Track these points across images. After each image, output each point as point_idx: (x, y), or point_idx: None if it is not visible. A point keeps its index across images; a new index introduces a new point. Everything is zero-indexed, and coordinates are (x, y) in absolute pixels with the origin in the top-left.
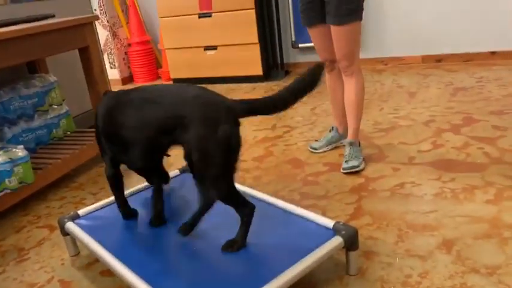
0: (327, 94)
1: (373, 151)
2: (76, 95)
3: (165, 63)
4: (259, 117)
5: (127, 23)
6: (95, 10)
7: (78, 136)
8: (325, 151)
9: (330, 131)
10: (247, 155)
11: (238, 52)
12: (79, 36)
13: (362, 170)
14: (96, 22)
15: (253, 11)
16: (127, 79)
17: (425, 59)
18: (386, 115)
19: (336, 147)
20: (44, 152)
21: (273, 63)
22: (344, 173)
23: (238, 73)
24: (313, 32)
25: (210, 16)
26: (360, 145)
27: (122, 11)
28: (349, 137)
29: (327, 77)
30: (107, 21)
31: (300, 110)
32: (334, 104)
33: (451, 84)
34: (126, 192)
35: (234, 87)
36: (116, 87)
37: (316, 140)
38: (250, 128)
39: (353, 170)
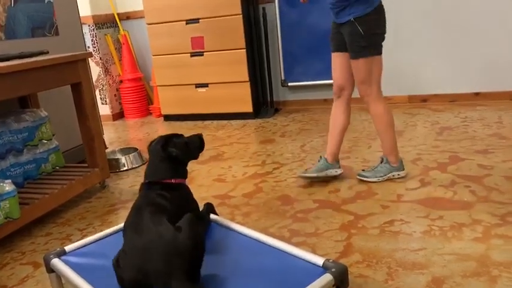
0: (315, 132)
1: (361, 188)
2: (66, 130)
3: (157, 100)
4: (249, 153)
5: (120, 60)
6: (89, 47)
7: (67, 171)
8: (315, 176)
9: (318, 161)
10: (236, 191)
11: (229, 90)
12: (72, 72)
13: (372, 181)
14: (89, 58)
15: (244, 50)
16: (118, 115)
17: (412, 99)
18: (375, 153)
19: (325, 181)
20: (32, 187)
21: (263, 101)
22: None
23: (229, 110)
24: (334, 57)
25: (202, 55)
26: (388, 162)
27: (115, 48)
28: (383, 153)
29: (333, 104)
30: (100, 58)
31: (289, 147)
32: (331, 130)
33: (437, 123)
34: (113, 229)
35: (225, 124)
36: (106, 123)
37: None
38: (239, 164)
39: (360, 177)
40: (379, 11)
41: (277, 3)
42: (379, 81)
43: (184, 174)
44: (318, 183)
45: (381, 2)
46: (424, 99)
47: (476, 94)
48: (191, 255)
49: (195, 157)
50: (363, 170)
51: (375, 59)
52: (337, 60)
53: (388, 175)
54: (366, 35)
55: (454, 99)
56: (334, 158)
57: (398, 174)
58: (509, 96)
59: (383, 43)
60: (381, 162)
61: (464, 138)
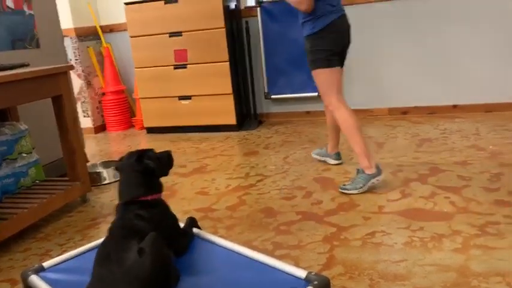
0: (298, 143)
1: (343, 200)
2: (47, 143)
3: (139, 112)
4: (232, 166)
5: (102, 72)
6: (70, 60)
7: (47, 185)
8: (317, 159)
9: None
10: (220, 204)
11: (212, 102)
12: (53, 85)
13: (353, 193)
14: (71, 71)
15: (228, 63)
16: (100, 128)
17: (392, 111)
18: (356, 165)
19: (308, 193)
20: (11, 201)
21: (246, 113)
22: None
23: (212, 122)
24: None
25: (186, 67)
26: (363, 172)
27: (98, 61)
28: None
29: None
30: (82, 71)
31: (272, 159)
32: (328, 126)
33: (417, 135)
34: (93, 243)
35: (208, 136)
36: (88, 136)
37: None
38: (223, 176)
39: (341, 190)
40: (327, 31)
41: (260, 17)
42: (336, 90)
43: (160, 188)
44: (301, 195)
45: (331, 23)
46: (404, 112)
47: (454, 106)
48: (155, 281)
49: (166, 173)
50: (344, 184)
51: (324, 72)
52: None
53: (368, 184)
54: (311, 51)
55: (433, 111)
56: (332, 148)
57: (378, 180)
58: (485, 109)
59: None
60: (358, 173)
61: (443, 150)
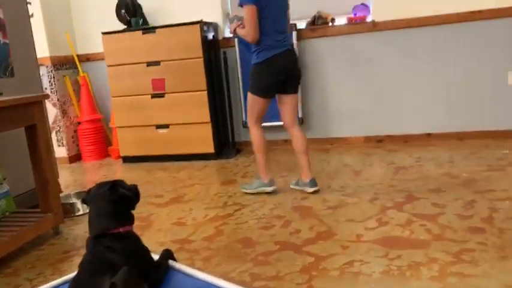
0: (276, 172)
1: (322, 228)
2: (18, 173)
3: (116, 142)
4: (210, 195)
5: (78, 101)
6: (46, 88)
7: (18, 217)
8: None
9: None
10: (196, 235)
11: (190, 130)
12: (26, 114)
13: (248, 192)
14: (46, 100)
15: (206, 92)
16: (75, 157)
17: (367, 140)
18: (334, 193)
19: (287, 222)
20: None
21: (224, 142)
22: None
23: (190, 151)
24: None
25: (163, 96)
26: (260, 179)
27: (74, 90)
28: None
29: None
30: (58, 100)
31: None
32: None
33: (392, 163)
34: (65, 278)
35: (186, 165)
36: (62, 166)
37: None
38: (200, 206)
39: (242, 189)
40: (267, 64)
41: (238, 48)
42: (256, 116)
43: (132, 220)
44: (279, 224)
45: (272, 57)
46: (380, 140)
47: (428, 135)
48: None
49: (134, 207)
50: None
51: (254, 98)
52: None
53: (259, 188)
54: (251, 77)
55: (407, 139)
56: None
57: (266, 190)
58: (457, 137)
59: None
60: (257, 179)
61: (418, 178)
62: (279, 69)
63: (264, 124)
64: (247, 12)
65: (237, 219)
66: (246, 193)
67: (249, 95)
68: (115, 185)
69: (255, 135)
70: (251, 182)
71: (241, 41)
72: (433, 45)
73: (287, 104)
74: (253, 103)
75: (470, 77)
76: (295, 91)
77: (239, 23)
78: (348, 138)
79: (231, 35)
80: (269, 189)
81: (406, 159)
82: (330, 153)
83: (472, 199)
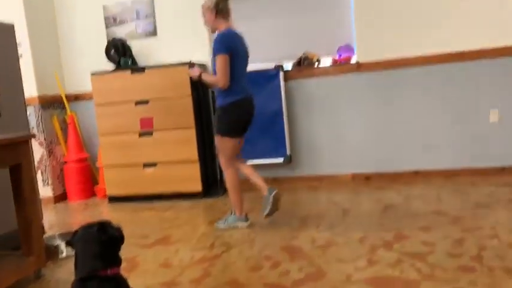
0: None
1: (311, 269)
2: (1, 212)
3: (102, 181)
4: (197, 235)
5: (65, 140)
6: (33, 128)
7: None
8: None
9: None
10: (183, 277)
11: (177, 169)
12: (12, 154)
13: (221, 227)
14: (33, 139)
15: (194, 130)
16: (60, 197)
17: (355, 177)
18: (323, 232)
19: (276, 262)
20: None
21: (212, 180)
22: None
23: (177, 190)
24: None
25: (151, 134)
26: (234, 214)
27: (61, 128)
28: (232, 207)
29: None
30: (44, 139)
31: (238, 228)
32: (252, 180)
33: (380, 201)
34: None
35: (173, 204)
36: (47, 206)
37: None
38: (187, 247)
39: (217, 226)
40: (233, 106)
41: None
42: (229, 155)
43: (119, 261)
44: (268, 265)
45: (237, 101)
46: (367, 177)
47: (416, 173)
48: None
49: (120, 249)
50: (218, 222)
51: (224, 139)
52: None
53: (234, 223)
54: (219, 120)
55: (395, 177)
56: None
57: (242, 225)
58: (444, 175)
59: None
60: (230, 214)
61: (407, 216)
62: (246, 111)
63: (252, 162)
64: (221, 61)
65: (225, 261)
66: (220, 229)
67: (219, 138)
68: (103, 226)
69: (230, 175)
70: (224, 218)
71: None
72: (417, 85)
73: (241, 143)
74: (225, 145)
75: (453, 116)
76: (245, 132)
77: (201, 70)
78: (336, 175)
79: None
80: (245, 224)
81: (395, 197)
82: (318, 191)
83: (460, 237)
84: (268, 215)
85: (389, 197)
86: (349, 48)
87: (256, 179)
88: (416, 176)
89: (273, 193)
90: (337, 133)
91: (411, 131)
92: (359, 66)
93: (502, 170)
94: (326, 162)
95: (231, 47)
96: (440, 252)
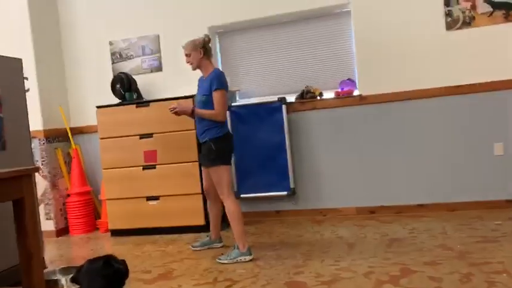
0: (269, 245)
1: None
2: (1, 248)
3: (105, 214)
4: (200, 270)
5: (69, 173)
6: (37, 161)
7: None
8: (200, 249)
9: (207, 236)
10: None
11: (180, 202)
12: (15, 187)
13: (225, 263)
14: (36, 173)
15: (197, 163)
16: (62, 231)
17: (360, 211)
18: (328, 267)
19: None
20: None
21: None
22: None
23: (180, 223)
24: (203, 170)
25: (155, 168)
26: (238, 248)
27: (65, 162)
28: (235, 240)
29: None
30: (48, 172)
31: (242, 262)
32: (210, 219)
33: (386, 235)
34: None
35: (176, 238)
36: (49, 240)
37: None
38: (190, 282)
39: (218, 261)
40: (227, 136)
41: (229, 119)
42: (230, 184)
43: None
44: None
45: (228, 132)
46: (372, 211)
47: (420, 206)
48: None
49: (124, 283)
50: (220, 258)
51: (223, 168)
52: (204, 172)
53: (237, 258)
54: (215, 151)
55: (400, 210)
56: (215, 235)
57: (245, 259)
58: (449, 208)
59: None
60: (234, 248)
61: (413, 250)
62: (232, 140)
63: (255, 195)
64: (222, 96)
65: None
66: (223, 263)
67: (216, 168)
68: (109, 260)
69: (231, 205)
70: (227, 253)
71: (234, 113)
72: (420, 118)
73: None
74: (223, 174)
75: (457, 149)
76: None
77: (193, 106)
78: (340, 209)
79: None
80: (249, 257)
81: (400, 231)
82: (323, 225)
83: (468, 272)
84: (221, 260)
85: (394, 231)
86: (351, 82)
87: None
88: (421, 209)
89: (243, 259)
90: (340, 166)
91: (415, 164)
92: (361, 99)
93: (508, 203)
94: (330, 195)
95: (226, 84)
96: (447, 287)
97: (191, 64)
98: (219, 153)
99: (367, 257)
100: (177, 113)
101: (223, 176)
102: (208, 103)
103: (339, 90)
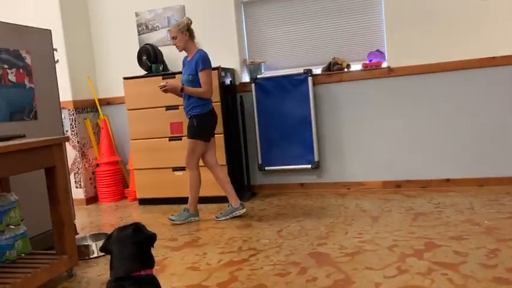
0: (292, 216)
1: (339, 276)
2: (36, 215)
3: (133, 184)
4: (224, 239)
5: (98, 143)
6: (67, 131)
7: (33, 259)
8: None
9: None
10: (210, 280)
11: (206, 173)
12: (47, 156)
13: (222, 219)
14: (66, 142)
15: (222, 135)
16: (92, 199)
17: (386, 184)
18: (351, 239)
19: (303, 268)
20: None
21: (240, 185)
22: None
23: (206, 193)
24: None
25: (181, 139)
26: (188, 211)
27: (94, 132)
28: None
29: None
30: (78, 142)
31: (266, 232)
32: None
33: (411, 209)
34: None
35: (201, 208)
36: (79, 207)
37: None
38: (215, 250)
39: (216, 219)
40: (210, 114)
41: (254, 92)
42: (197, 159)
43: (153, 263)
44: (295, 271)
45: (212, 109)
46: (398, 185)
47: (447, 180)
48: None
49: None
50: (217, 216)
51: (198, 143)
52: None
53: (188, 219)
54: (197, 126)
55: (426, 185)
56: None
57: (239, 212)
58: (477, 183)
59: None
60: (183, 211)
61: (438, 224)
62: (215, 117)
63: (280, 167)
64: (208, 75)
65: (252, 265)
66: (175, 223)
67: (194, 141)
68: (138, 227)
69: (195, 176)
70: (179, 214)
71: (259, 86)
72: (451, 91)
73: (213, 146)
74: (196, 148)
75: (489, 123)
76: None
77: (182, 85)
78: (365, 182)
79: (247, 80)
80: (194, 219)
81: (425, 205)
82: (346, 198)
83: (495, 247)
84: (218, 218)
85: (419, 205)
86: (379, 54)
87: (231, 189)
88: (448, 184)
89: (241, 212)
90: (366, 139)
91: (443, 138)
92: (390, 71)
93: None
94: (355, 168)
95: (210, 64)
96: (474, 262)
97: (177, 46)
98: (200, 129)
99: (392, 230)
100: (166, 91)
101: (197, 149)
102: (194, 82)
103: (367, 62)
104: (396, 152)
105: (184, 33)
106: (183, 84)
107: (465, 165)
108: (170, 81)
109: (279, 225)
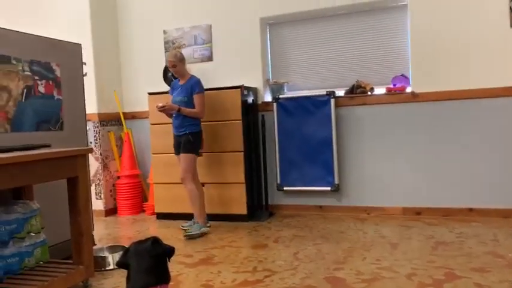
0: (309, 239)
1: None
2: (56, 223)
3: (151, 198)
4: (240, 258)
5: (120, 156)
6: (91, 142)
7: (50, 267)
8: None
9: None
10: None
11: (224, 190)
12: (70, 166)
13: (193, 234)
14: (89, 154)
15: (242, 153)
16: (111, 211)
17: (406, 211)
18: (369, 265)
19: None
20: (11, 282)
21: (257, 204)
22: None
23: (223, 211)
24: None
25: (201, 155)
26: (199, 223)
27: (117, 145)
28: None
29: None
30: (100, 154)
31: (282, 254)
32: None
33: (431, 237)
34: None
35: (218, 225)
36: (98, 219)
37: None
38: (229, 269)
39: (186, 235)
40: (201, 132)
41: (276, 112)
42: (194, 172)
43: (169, 278)
44: None
45: (200, 129)
46: (418, 212)
47: (470, 210)
48: None
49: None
50: (188, 232)
51: (193, 157)
52: (178, 160)
53: (201, 229)
54: (192, 142)
55: (447, 213)
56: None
57: (206, 230)
58: (502, 214)
59: None
60: (194, 224)
61: (460, 255)
62: (202, 136)
63: (298, 188)
64: (203, 98)
65: (267, 286)
66: (191, 235)
67: (189, 156)
68: (156, 241)
69: (193, 189)
70: (191, 228)
71: (281, 106)
72: (475, 118)
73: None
74: (192, 162)
75: (509, 153)
76: None
77: (178, 106)
78: (385, 208)
79: (270, 100)
80: (207, 229)
81: (447, 234)
82: (366, 223)
83: None
84: (187, 237)
85: (440, 234)
86: (404, 78)
87: (202, 204)
88: (471, 213)
89: (205, 230)
90: (387, 164)
91: (466, 166)
92: (414, 96)
93: None
94: (375, 193)
95: (203, 88)
96: None
97: (176, 72)
98: (194, 144)
99: (411, 258)
100: (163, 111)
101: (192, 162)
102: (188, 103)
103: (391, 86)
104: (417, 178)
105: (182, 62)
106: (179, 106)
107: (489, 195)
108: (168, 102)
109: (295, 247)
